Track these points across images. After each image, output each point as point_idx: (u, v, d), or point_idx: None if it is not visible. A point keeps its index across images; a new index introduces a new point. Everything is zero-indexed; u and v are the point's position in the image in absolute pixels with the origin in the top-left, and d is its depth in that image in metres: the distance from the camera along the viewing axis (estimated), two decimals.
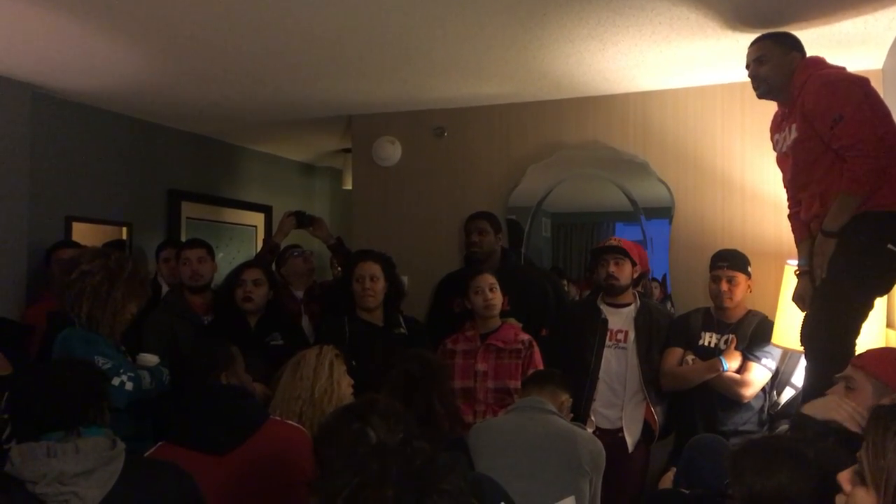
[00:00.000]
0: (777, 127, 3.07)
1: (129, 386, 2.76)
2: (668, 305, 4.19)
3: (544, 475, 2.56)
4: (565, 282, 4.58)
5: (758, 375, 3.46)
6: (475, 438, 2.75)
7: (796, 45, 2.97)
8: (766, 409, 3.52)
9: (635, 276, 3.78)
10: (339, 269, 4.44)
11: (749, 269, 3.60)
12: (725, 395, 3.48)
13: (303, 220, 4.41)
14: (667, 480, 2.58)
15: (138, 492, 1.80)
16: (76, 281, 2.81)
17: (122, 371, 2.77)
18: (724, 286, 3.56)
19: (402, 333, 3.66)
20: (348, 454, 1.36)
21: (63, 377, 1.88)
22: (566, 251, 4.77)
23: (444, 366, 2.91)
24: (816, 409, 2.05)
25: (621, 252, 3.71)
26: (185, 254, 3.93)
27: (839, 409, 2.01)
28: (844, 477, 1.36)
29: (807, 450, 1.57)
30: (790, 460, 1.56)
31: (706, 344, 3.62)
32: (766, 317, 3.57)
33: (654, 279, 4.29)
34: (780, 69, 2.93)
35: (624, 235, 4.23)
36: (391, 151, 4.94)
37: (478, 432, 2.81)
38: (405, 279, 4.43)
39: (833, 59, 2.95)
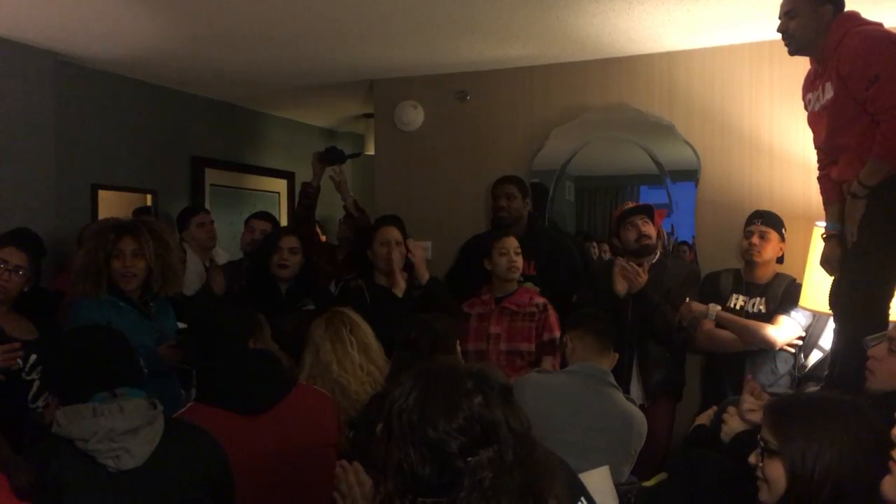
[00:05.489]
0: (810, 86, 2.97)
1: None
2: None
3: (596, 455, 2.53)
4: (594, 244, 4.55)
5: (787, 323, 3.45)
6: (529, 393, 2.65)
7: None
8: (794, 373, 3.50)
9: None
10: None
11: (783, 231, 3.58)
12: (755, 354, 3.47)
13: (326, 155, 4.28)
14: (704, 417, 2.57)
15: (180, 450, 1.86)
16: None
17: None
18: (756, 240, 3.55)
19: (419, 294, 3.66)
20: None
21: (98, 341, 1.91)
22: (590, 215, 4.74)
23: (448, 331, 2.72)
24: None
25: (646, 211, 3.71)
26: (253, 223, 4.39)
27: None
28: None
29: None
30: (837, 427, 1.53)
31: (734, 306, 3.61)
32: (795, 279, 3.54)
33: (684, 243, 4.25)
34: (809, 24, 2.80)
35: (649, 199, 4.23)
36: (413, 116, 4.91)
37: (534, 388, 2.73)
38: (428, 244, 4.43)
39: (867, 15, 2.85)
